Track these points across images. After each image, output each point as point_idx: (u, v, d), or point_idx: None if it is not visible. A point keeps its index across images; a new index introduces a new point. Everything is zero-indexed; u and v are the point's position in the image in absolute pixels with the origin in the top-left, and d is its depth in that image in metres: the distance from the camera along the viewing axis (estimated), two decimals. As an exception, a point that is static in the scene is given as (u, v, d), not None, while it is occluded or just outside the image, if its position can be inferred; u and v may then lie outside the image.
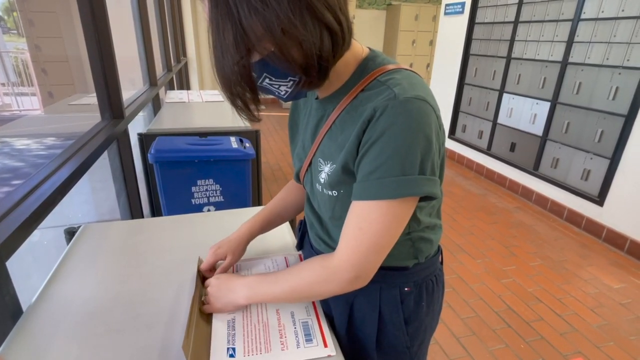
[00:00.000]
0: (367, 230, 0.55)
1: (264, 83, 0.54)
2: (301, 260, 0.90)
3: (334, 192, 0.63)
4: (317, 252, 0.77)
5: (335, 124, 0.61)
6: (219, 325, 0.68)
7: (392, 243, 0.58)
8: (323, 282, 0.60)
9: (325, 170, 0.63)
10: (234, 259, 0.81)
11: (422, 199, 0.57)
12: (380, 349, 0.72)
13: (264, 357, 0.62)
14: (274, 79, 0.54)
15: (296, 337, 0.66)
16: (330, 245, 0.72)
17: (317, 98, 0.66)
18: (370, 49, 0.62)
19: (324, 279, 0.60)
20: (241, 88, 0.52)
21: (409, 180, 0.52)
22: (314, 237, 0.78)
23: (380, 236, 0.56)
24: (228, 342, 0.64)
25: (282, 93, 0.56)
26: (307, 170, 0.69)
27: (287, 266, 0.88)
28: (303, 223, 0.87)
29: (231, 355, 0.62)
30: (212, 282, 0.73)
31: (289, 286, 0.64)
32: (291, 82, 0.54)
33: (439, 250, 0.75)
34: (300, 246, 0.89)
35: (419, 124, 0.51)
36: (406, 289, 0.69)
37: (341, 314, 0.73)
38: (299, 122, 0.75)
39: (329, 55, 0.51)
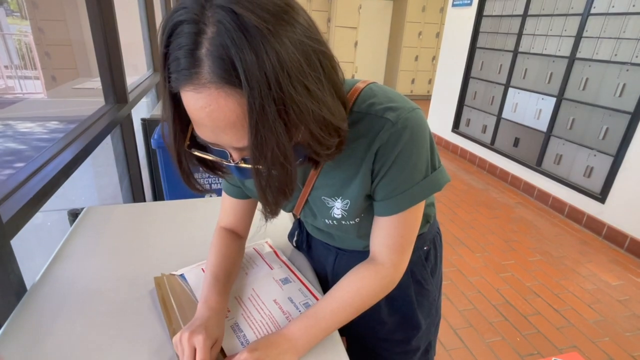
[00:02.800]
0: (406, 234, 0.62)
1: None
2: (270, 245, 0.89)
3: (356, 219, 0.64)
4: (332, 246, 0.79)
5: (327, 164, 0.60)
6: (225, 335, 0.63)
7: None
8: (385, 291, 0.65)
9: (339, 206, 0.63)
10: (222, 338, 0.63)
11: None
12: (421, 308, 0.79)
13: None
14: None
15: None
16: (340, 239, 0.75)
17: None
18: None
19: (385, 288, 0.65)
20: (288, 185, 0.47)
21: (431, 179, 0.58)
22: (324, 239, 0.79)
23: (415, 231, 0.64)
24: (242, 345, 0.63)
25: None
26: (302, 208, 0.69)
27: (260, 256, 0.84)
28: (300, 223, 0.85)
29: None
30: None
31: (353, 309, 0.63)
32: (299, 162, 0.52)
33: None
34: (307, 244, 0.86)
35: (422, 131, 0.55)
36: (425, 247, 0.77)
37: None
38: None
39: (347, 127, 0.51)
